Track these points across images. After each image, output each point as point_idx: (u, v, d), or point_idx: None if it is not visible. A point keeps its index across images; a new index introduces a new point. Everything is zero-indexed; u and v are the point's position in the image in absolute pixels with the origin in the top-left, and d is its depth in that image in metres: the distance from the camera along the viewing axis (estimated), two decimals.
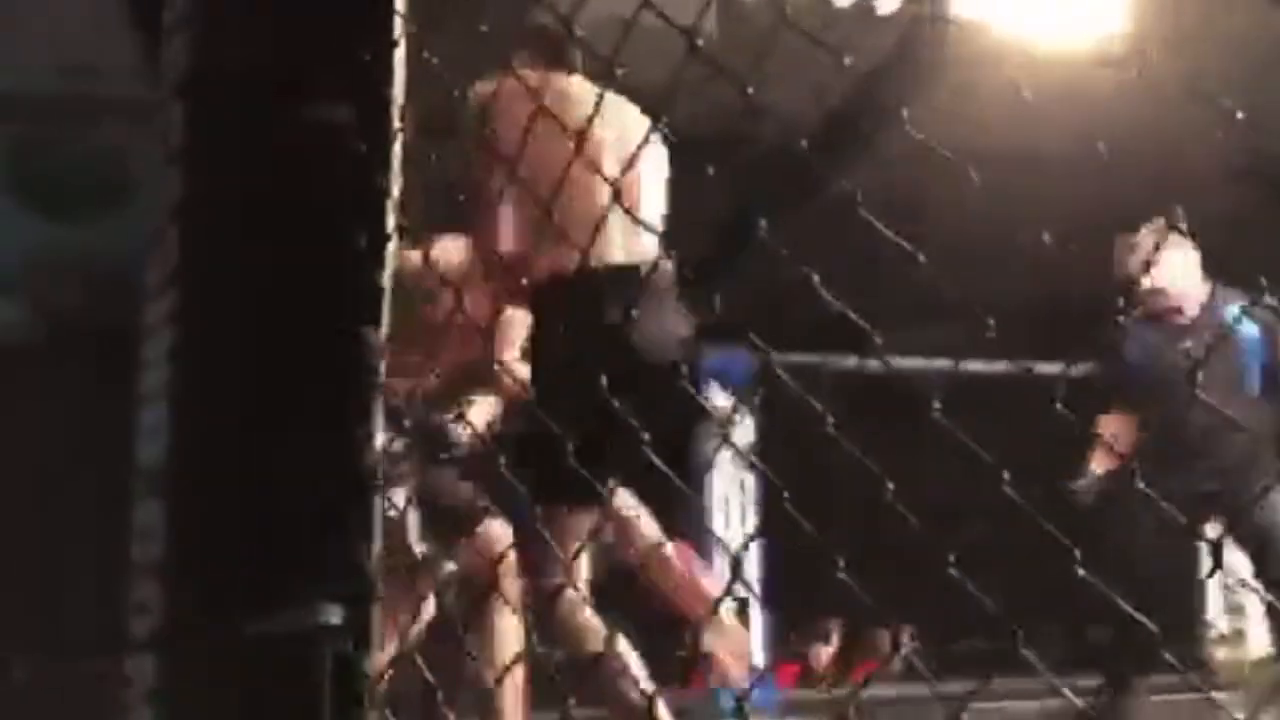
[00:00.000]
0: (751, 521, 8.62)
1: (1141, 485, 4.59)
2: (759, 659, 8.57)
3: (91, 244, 7.60)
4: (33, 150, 7.56)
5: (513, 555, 3.35)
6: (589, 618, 2.73)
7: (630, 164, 1.53)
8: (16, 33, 6.37)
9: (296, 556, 1.41)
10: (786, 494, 1.12)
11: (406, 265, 3.34)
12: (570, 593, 2.72)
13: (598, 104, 1.55)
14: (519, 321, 3.17)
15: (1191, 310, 4.77)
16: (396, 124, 1.53)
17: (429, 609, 3.76)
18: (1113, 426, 4.83)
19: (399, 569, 3.29)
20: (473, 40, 1.55)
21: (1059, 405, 1.03)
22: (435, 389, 3.44)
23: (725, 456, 8.08)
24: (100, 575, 3.32)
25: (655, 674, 3.02)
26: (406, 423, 3.34)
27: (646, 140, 1.50)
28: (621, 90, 2.71)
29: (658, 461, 1.37)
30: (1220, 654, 9.02)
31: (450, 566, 3.78)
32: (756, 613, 8.49)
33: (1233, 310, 4.80)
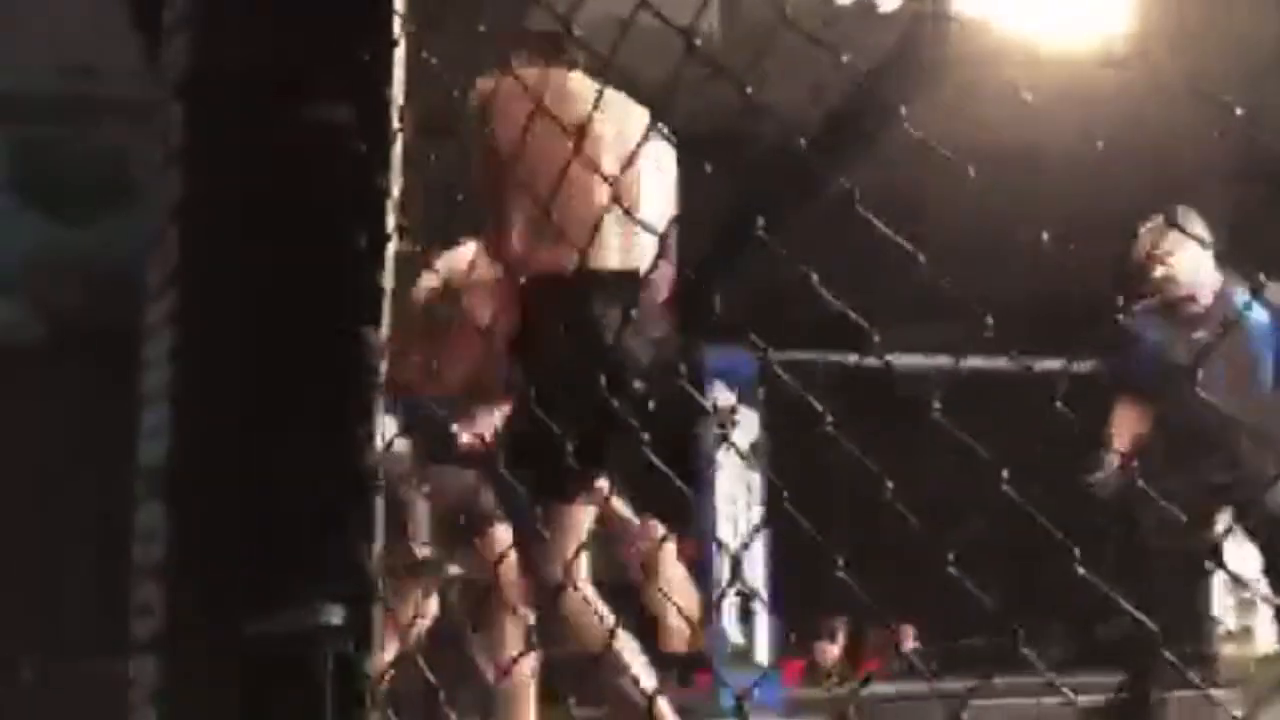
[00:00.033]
0: (757, 520, 8.61)
1: (1149, 478, 4.56)
2: (763, 657, 8.58)
3: (93, 244, 7.61)
4: (35, 151, 7.57)
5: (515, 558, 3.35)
6: (593, 614, 2.73)
7: (630, 161, 1.52)
8: (18, 33, 6.37)
9: (297, 557, 1.41)
10: (786, 492, 1.12)
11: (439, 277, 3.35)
12: (573, 590, 2.72)
13: (597, 100, 1.55)
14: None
15: (1205, 300, 4.75)
16: (396, 124, 1.53)
17: (432, 610, 3.76)
18: (1128, 418, 4.81)
19: (401, 569, 3.30)
20: (472, 40, 1.55)
21: (1058, 403, 1.03)
22: (449, 389, 3.45)
23: (731, 455, 8.07)
24: (101, 576, 3.33)
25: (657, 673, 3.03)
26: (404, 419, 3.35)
27: (646, 137, 1.50)
28: (622, 87, 2.71)
29: (656, 461, 1.36)
30: (1227, 650, 9.01)
31: (454, 569, 3.78)
32: (758, 611, 8.50)
33: (1243, 298, 4.77)
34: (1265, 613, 8.48)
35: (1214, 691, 4.41)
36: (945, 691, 1.06)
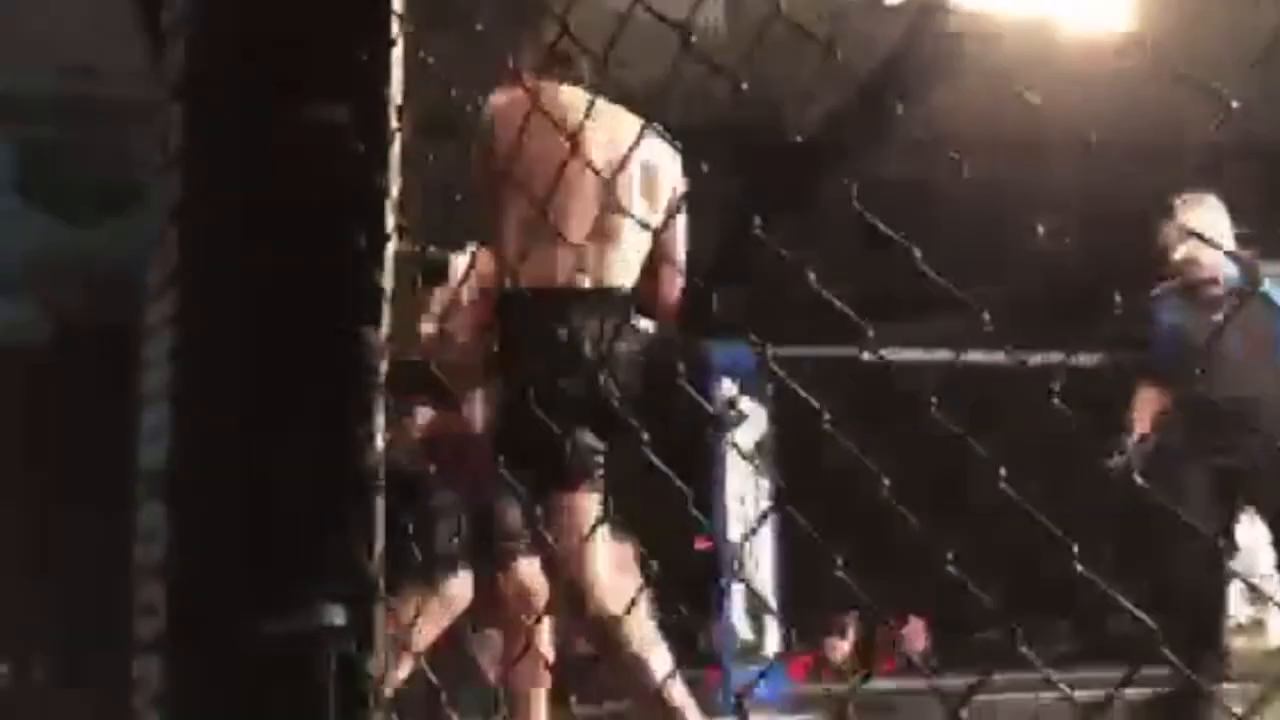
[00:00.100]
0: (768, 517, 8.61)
1: (1168, 464, 4.52)
2: (771, 651, 8.57)
3: (94, 245, 7.62)
4: (36, 152, 7.59)
5: (544, 590, 3.39)
6: (613, 591, 2.76)
7: (622, 164, 1.52)
8: (19, 35, 6.38)
9: (297, 557, 1.40)
10: (787, 490, 1.11)
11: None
12: (598, 587, 2.74)
13: (588, 109, 1.54)
14: None
15: (1226, 281, 4.72)
16: (394, 124, 1.52)
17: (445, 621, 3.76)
18: (1149, 401, 4.78)
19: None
20: (471, 40, 1.55)
21: (1074, 395, 1.02)
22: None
23: (743, 450, 8.07)
24: (103, 577, 3.33)
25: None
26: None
27: (636, 144, 1.49)
28: (622, 86, 2.71)
29: (656, 461, 1.36)
30: (1238, 643, 8.97)
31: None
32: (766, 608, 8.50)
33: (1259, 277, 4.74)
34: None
35: (1226, 686, 4.40)
36: (951, 688, 1.06)
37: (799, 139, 7.29)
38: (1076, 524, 1.03)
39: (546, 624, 3.61)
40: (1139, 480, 1.17)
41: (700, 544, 8.02)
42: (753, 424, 8.75)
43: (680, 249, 3.10)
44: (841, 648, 9.24)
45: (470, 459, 3.28)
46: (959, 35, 6.50)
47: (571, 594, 2.75)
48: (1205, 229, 4.61)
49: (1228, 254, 4.62)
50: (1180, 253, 4.68)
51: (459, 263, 3.42)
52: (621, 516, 3.22)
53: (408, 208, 1.53)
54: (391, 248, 1.52)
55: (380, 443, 1.46)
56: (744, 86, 1.29)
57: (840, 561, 1.07)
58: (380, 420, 1.46)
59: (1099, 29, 5.93)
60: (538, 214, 2.51)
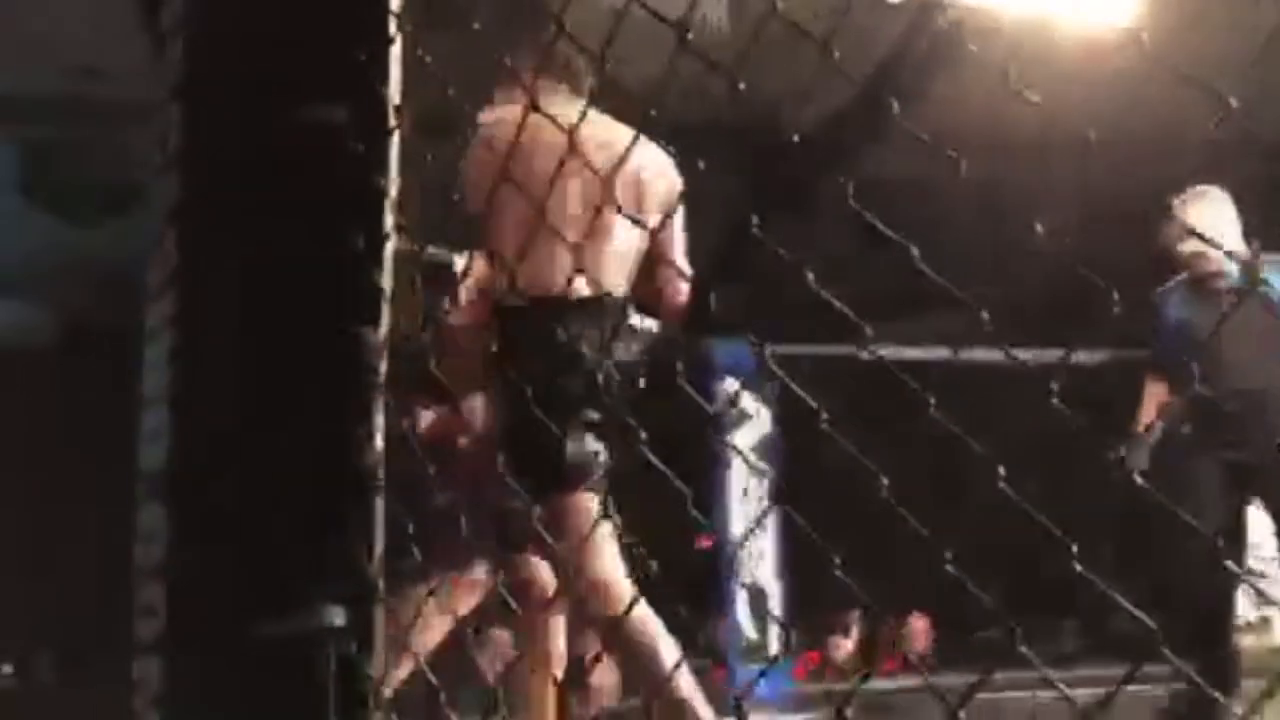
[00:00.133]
0: (771, 515, 8.60)
1: (1175, 459, 4.51)
2: (773, 650, 8.56)
3: (96, 245, 7.62)
4: (36, 152, 7.58)
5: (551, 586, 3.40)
6: (618, 584, 2.78)
7: (614, 168, 1.51)
8: (19, 35, 6.38)
9: (297, 557, 1.40)
10: (786, 490, 1.11)
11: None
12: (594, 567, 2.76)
13: (581, 118, 1.54)
14: None
15: (1233, 275, 4.71)
16: (393, 123, 1.52)
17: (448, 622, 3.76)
18: (1156, 396, 4.78)
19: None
20: (469, 40, 1.55)
21: (1054, 398, 1.02)
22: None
23: (745, 449, 8.05)
24: (105, 577, 3.33)
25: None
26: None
27: (629, 151, 1.50)
28: (620, 86, 2.71)
29: (656, 461, 1.36)
30: (1245, 641, 8.94)
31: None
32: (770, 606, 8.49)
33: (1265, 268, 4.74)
34: None
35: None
36: (940, 687, 1.06)
37: (798, 137, 7.28)
38: (1076, 523, 1.03)
39: (560, 624, 3.61)
40: (1139, 480, 1.17)
41: (702, 542, 8.02)
42: (757, 423, 8.74)
43: (679, 250, 3.11)
44: (845, 646, 9.23)
45: (471, 459, 3.28)
46: (959, 24, 6.49)
47: (578, 594, 2.77)
48: (1212, 221, 4.60)
49: (1228, 254, 4.60)
50: (1188, 247, 4.67)
51: (460, 263, 3.42)
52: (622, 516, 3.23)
53: (407, 208, 1.53)
54: (391, 247, 1.51)
55: (380, 443, 1.46)
56: (741, 86, 1.28)
57: (839, 561, 1.07)
58: (380, 420, 1.46)
59: (1099, 26, 5.92)
60: (531, 221, 2.53)
